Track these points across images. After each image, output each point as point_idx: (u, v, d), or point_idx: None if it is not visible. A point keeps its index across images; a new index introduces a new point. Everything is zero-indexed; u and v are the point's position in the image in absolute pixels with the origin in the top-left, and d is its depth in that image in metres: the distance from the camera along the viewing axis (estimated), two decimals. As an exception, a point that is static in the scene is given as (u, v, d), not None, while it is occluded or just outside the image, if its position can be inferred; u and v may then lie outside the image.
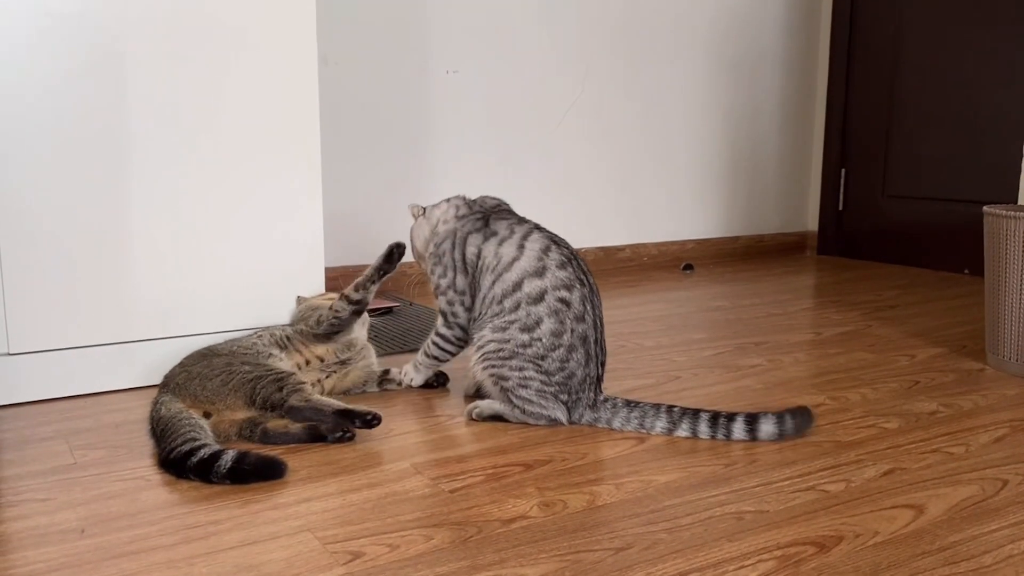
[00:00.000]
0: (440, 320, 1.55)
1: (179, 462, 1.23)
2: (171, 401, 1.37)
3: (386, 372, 1.65)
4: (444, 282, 1.52)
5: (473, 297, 1.50)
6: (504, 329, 1.43)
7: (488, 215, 1.52)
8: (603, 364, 1.46)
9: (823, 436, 1.41)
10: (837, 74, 3.34)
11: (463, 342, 1.54)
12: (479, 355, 1.46)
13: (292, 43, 1.70)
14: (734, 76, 3.26)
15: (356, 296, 1.56)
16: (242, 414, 1.37)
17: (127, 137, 1.58)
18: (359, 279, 1.58)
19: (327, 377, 1.56)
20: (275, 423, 1.37)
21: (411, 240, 1.64)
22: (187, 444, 1.24)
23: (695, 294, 2.67)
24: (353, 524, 1.09)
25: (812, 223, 3.54)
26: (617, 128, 3.02)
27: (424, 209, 1.63)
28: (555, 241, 1.47)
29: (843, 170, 3.37)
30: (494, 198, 1.60)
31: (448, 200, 1.61)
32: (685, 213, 3.23)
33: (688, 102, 3.16)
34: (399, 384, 1.64)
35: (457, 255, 1.50)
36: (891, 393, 1.64)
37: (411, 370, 1.63)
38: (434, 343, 1.57)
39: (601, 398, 1.45)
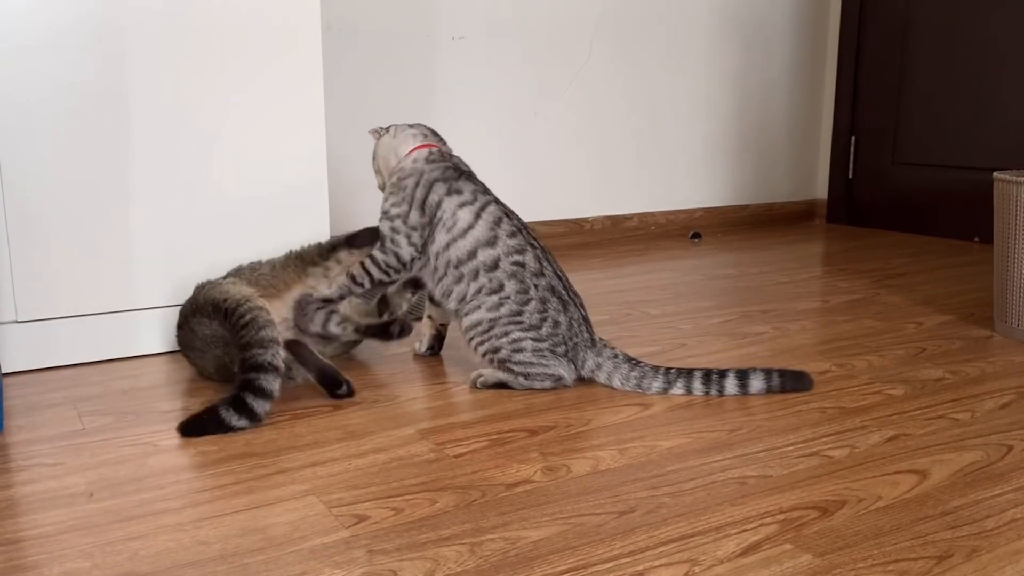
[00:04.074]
0: (377, 245, 1.51)
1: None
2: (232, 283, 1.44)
3: (383, 301, 1.64)
4: (396, 211, 1.50)
5: (424, 242, 1.49)
6: (475, 302, 1.45)
7: (460, 172, 1.53)
8: (583, 306, 1.49)
9: (828, 402, 1.41)
10: (847, 40, 3.30)
11: (391, 272, 1.50)
12: (466, 339, 1.47)
13: (296, 8, 1.69)
14: (743, 42, 3.22)
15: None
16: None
17: (128, 104, 1.57)
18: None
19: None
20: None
21: (375, 157, 1.62)
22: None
23: (703, 263, 2.66)
24: (358, 488, 1.10)
25: (821, 191, 3.51)
26: (625, 95, 3.00)
27: (387, 128, 1.62)
28: (507, 214, 1.49)
29: (853, 138, 3.34)
30: (461, 160, 1.59)
31: (421, 134, 1.58)
32: (693, 181, 3.21)
33: (697, 69, 3.13)
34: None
35: (419, 193, 1.49)
36: (897, 360, 1.64)
37: (323, 286, 1.52)
38: (361, 264, 1.50)
39: (600, 340, 1.47)
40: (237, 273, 1.51)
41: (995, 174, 1.78)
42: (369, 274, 1.51)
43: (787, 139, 3.42)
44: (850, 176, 3.37)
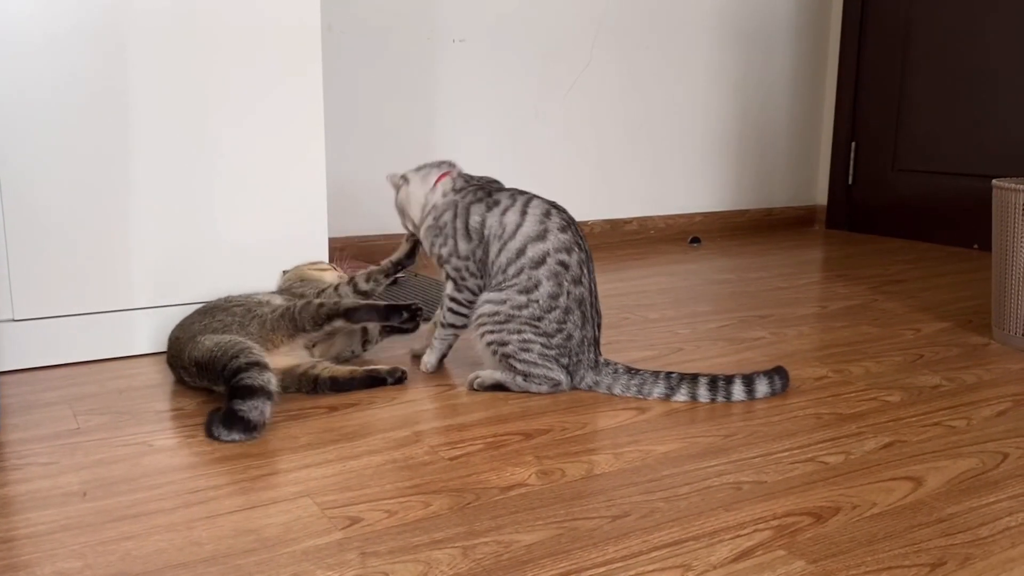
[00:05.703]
0: (450, 285, 1.53)
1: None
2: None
3: (364, 331, 1.63)
4: (445, 251, 1.51)
5: (482, 263, 1.49)
6: (501, 291, 1.45)
7: (489, 188, 1.53)
8: (599, 326, 1.48)
9: (824, 408, 1.41)
10: (848, 46, 3.30)
11: (471, 305, 1.52)
12: (476, 321, 1.47)
13: (297, 10, 1.69)
14: (744, 48, 3.22)
15: (365, 287, 1.60)
16: (288, 357, 1.43)
17: (128, 104, 1.57)
18: (373, 269, 1.62)
19: (314, 345, 1.53)
20: (338, 371, 1.46)
21: (401, 209, 1.61)
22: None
23: (702, 267, 2.66)
24: (352, 490, 1.10)
25: (821, 197, 3.51)
26: (625, 100, 3.00)
27: (404, 176, 1.60)
28: (555, 206, 1.49)
29: (853, 144, 3.34)
30: (486, 176, 1.59)
31: (436, 165, 1.58)
32: (693, 186, 3.22)
33: (697, 73, 3.13)
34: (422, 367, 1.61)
35: (459, 224, 1.49)
36: (894, 366, 1.64)
37: (426, 354, 1.59)
38: (448, 309, 1.53)
39: (602, 360, 1.47)
40: (225, 328, 1.45)
41: (994, 181, 1.78)
42: (459, 314, 1.52)
43: (787, 144, 3.42)
44: (850, 182, 3.37)
